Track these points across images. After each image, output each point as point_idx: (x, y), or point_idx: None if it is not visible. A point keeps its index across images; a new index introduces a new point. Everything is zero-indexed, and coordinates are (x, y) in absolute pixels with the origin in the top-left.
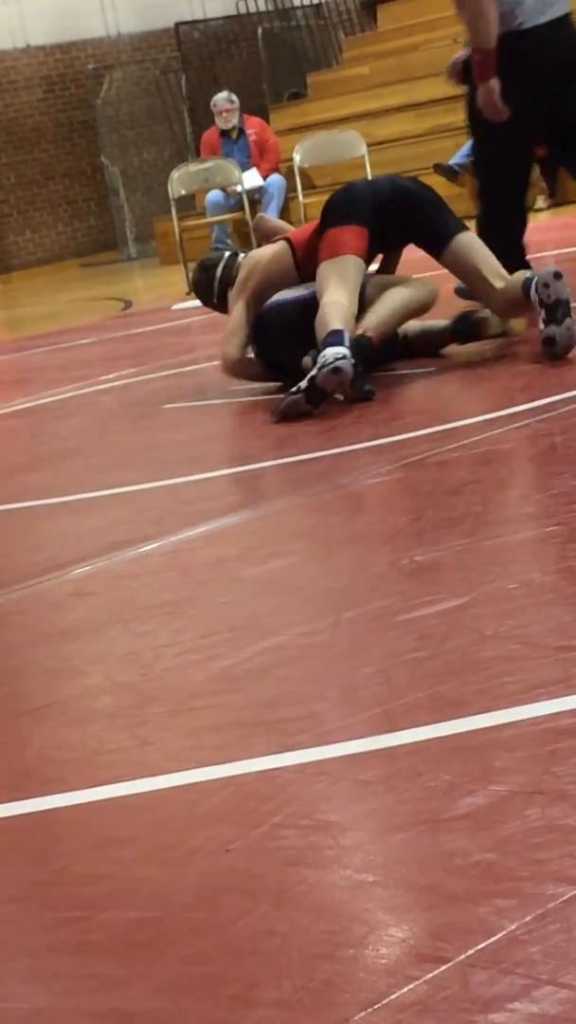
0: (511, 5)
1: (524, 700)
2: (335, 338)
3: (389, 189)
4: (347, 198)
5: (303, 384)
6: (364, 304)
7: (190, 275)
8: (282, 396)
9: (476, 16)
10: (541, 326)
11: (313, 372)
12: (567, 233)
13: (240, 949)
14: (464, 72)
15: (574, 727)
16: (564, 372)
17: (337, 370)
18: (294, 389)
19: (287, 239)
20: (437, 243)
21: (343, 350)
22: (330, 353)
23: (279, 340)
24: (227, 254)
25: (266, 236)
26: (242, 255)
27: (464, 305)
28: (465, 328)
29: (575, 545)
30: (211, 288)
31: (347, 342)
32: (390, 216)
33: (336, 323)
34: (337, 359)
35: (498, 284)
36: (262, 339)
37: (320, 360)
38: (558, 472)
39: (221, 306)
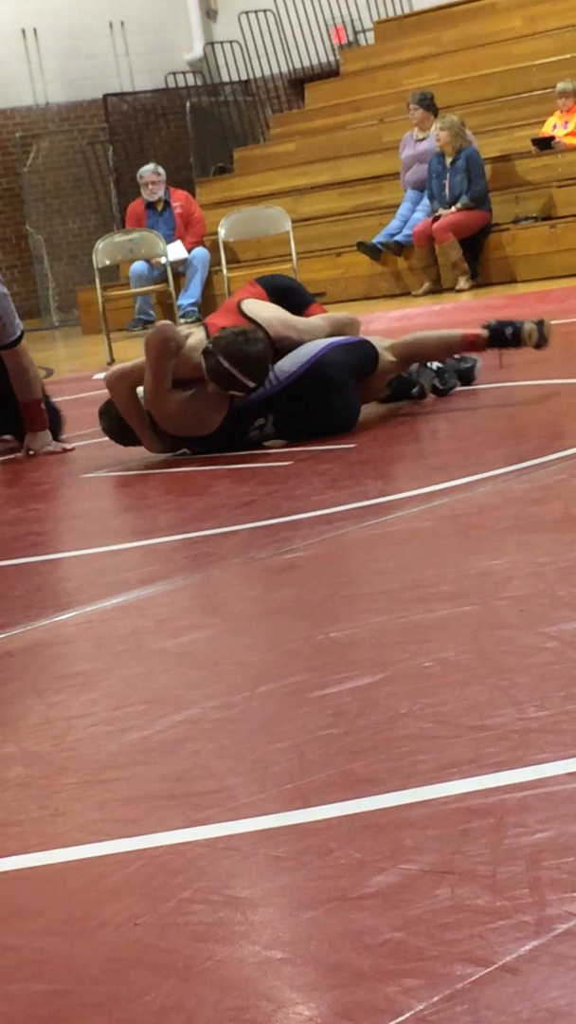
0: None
1: (436, 779)
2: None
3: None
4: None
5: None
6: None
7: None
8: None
9: (28, 369)
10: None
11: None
12: (488, 314)
13: None
14: None
15: (485, 807)
16: (481, 453)
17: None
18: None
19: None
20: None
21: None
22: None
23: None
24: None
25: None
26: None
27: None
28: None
29: (489, 625)
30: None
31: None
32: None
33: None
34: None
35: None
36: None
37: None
38: (474, 552)
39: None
